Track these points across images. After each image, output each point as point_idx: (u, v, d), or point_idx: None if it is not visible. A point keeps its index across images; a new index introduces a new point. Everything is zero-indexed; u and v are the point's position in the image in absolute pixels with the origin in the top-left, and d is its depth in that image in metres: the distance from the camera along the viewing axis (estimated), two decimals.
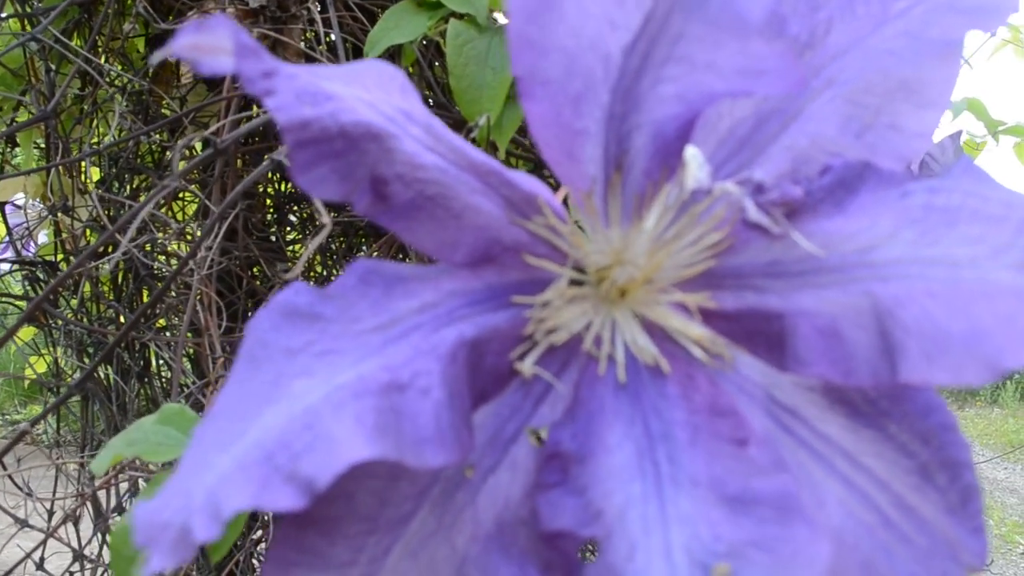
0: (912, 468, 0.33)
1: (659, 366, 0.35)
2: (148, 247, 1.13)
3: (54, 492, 1.16)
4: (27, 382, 1.68)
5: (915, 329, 0.31)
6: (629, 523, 0.31)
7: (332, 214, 1.12)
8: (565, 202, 0.40)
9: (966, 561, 0.32)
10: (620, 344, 0.36)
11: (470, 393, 0.33)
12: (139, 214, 0.66)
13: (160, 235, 1.04)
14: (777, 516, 0.30)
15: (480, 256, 0.36)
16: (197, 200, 1.28)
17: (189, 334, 1.06)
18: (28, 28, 1.17)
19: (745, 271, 0.36)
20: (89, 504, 1.21)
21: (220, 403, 0.30)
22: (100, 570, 1.14)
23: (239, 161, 1.10)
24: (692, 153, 0.36)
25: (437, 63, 1.08)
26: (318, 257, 1.23)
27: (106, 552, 1.21)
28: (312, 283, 1.31)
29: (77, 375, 1.37)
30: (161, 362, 1.34)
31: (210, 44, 0.31)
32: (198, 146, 1.28)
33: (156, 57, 0.32)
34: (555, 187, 0.42)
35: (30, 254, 1.30)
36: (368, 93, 0.34)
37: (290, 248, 1.30)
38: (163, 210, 1.22)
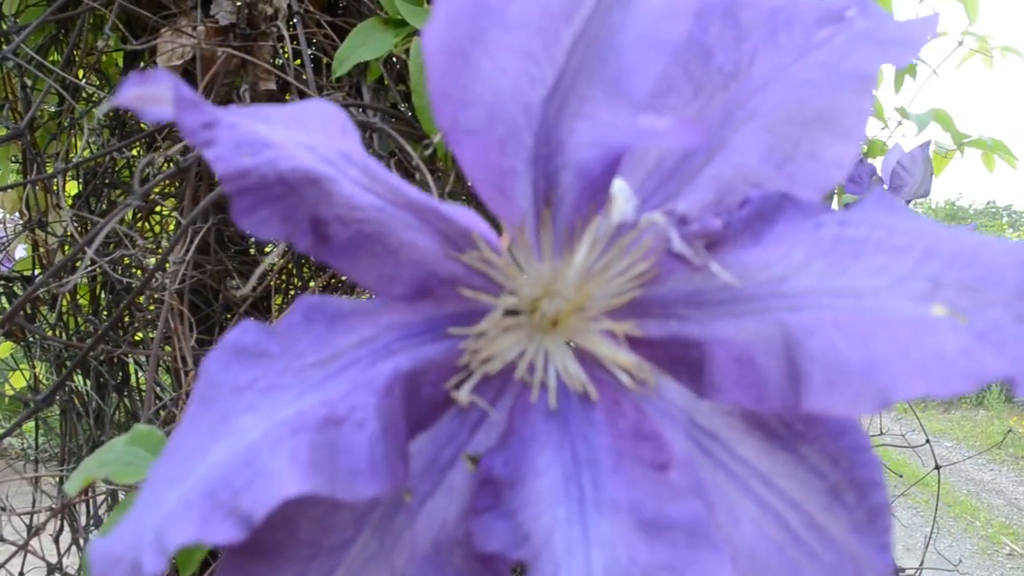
0: (823, 489, 0.35)
1: (588, 393, 0.37)
2: (126, 260, 1.14)
3: (33, 506, 1.17)
4: (7, 399, 1.68)
5: (820, 358, 0.32)
6: (554, 545, 0.33)
7: None
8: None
9: None
10: (552, 371, 0.38)
11: (406, 423, 0.35)
12: (104, 229, 0.67)
13: (135, 249, 1.05)
14: (688, 541, 0.32)
15: (417, 290, 0.38)
16: (172, 215, 1.30)
17: (167, 348, 1.07)
18: (3, 45, 1.18)
19: (669, 300, 0.38)
20: (67, 518, 1.23)
21: (174, 441, 0.32)
22: None
23: (214, 176, 1.11)
24: (619, 187, 0.38)
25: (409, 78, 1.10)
26: (294, 269, 1.24)
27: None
28: (293, 294, 1.32)
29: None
30: (141, 376, 1.35)
31: (153, 95, 0.32)
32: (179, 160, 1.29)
33: (103, 108, 0.34)
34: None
35: (7, 269, 1.31)
36: (308, 137, 0.35)
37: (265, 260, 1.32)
38: (140, 225, 1.23)
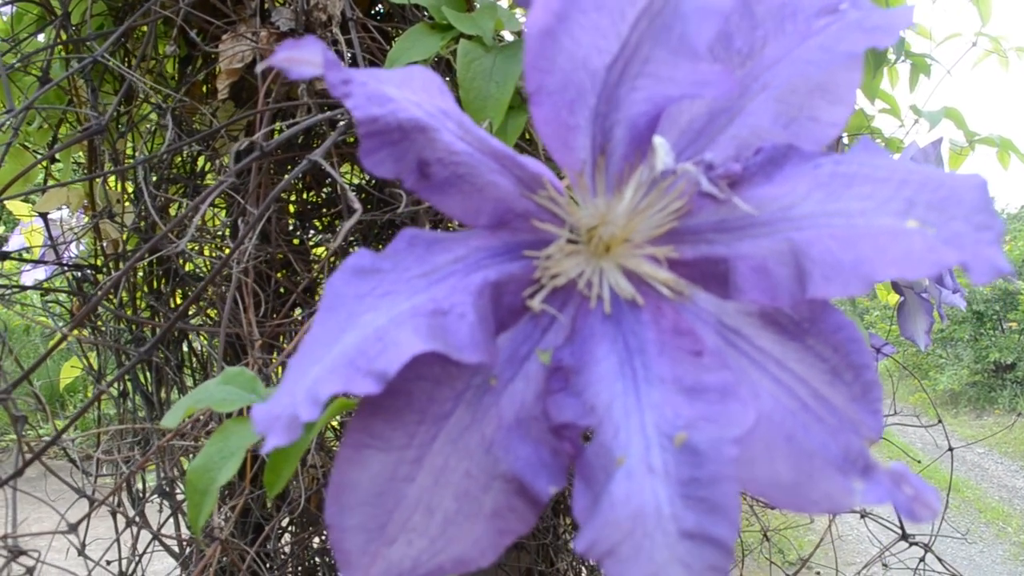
0: (826, 369, 0.44)
1: (636, 300, 0.47)
2: (191, 246, 1.24)
3: (96, 470, 1.26)
4: (62, 387, 1.78)
5: (819, 260, 0.42)
6: (614, 412, 0.42)
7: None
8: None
9: (865, 434, 0.43)
10: (606, 286, 0.47)
11: (494, 321, 0.44)
12: (201, 211, 0.77)
13: (210, 233, 1.15)
14: (719, 398, 0.41)
15: (498, 220, 0.47)
16: (225, 208, 1.40)
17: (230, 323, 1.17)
18: (71, 49, 1.29)
19: (700, 228, 0.48)
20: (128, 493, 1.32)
21: (307, 338, 0.41)
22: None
23: (270, 170, 1.21)
24: (660, 142, 0.47)
25: (448, 78, 1.20)
26: (337, 261, 1.34)
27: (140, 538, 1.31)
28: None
29: (110, 379, 1.48)
30: (194, 362, 1.45)
31: (302, 57, 0.42)
32: (224, 159, 1.39)
33: (261, 66, 0.44)
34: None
35: (72, 257, 1.41)
36: (415, 95, 0.45)
37: (313, 252, 1.42)
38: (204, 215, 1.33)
